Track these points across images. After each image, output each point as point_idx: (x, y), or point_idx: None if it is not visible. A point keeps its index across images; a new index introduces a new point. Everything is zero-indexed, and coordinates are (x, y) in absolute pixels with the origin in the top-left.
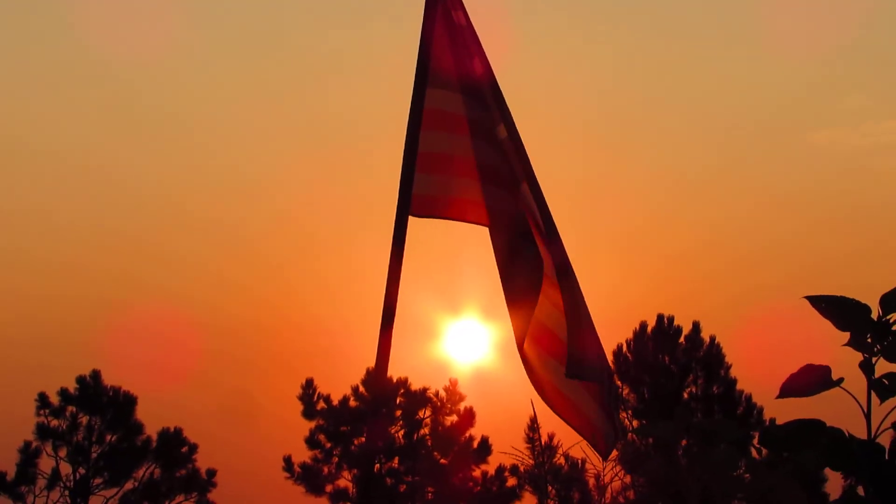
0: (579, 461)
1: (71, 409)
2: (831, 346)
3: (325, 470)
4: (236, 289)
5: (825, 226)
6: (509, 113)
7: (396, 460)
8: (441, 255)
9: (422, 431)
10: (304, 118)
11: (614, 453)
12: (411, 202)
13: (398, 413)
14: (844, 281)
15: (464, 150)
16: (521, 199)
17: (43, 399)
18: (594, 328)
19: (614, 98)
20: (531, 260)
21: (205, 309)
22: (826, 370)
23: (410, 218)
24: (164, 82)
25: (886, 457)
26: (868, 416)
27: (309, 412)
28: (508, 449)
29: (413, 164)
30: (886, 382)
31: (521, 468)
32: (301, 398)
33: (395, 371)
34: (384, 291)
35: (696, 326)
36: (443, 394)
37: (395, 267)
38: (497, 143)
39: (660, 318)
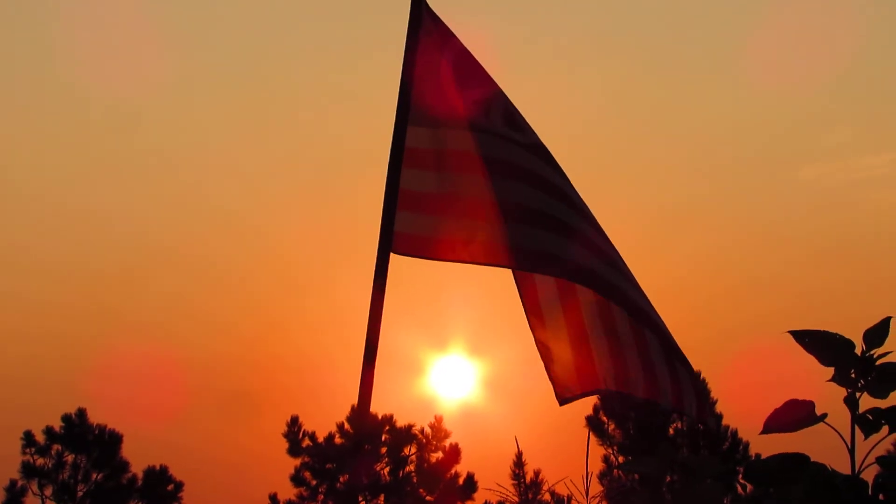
0: (564, 497)
1: (56, 447)
2: (815, 381)
3: None
4: (220, 326)
5: (810, 260)
6: (527, 131)
7: (382, 497)
8: (428, 291)
9: (407, 468)
10: (288, 155)
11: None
12: (393, 239)
13: (384, 450)
14: (829, 316)
15: (451, 186)
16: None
17: (28, 437)
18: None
19: (599, 131)
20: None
21: (189, 346)
22: (810, 405)
23: (396, 255)
24: (148, 119)
25: (870, 492)
26: (852, 451)
27: (294, 449)
28: (494, 485)
29: (394, 202)
30: (871, 418)
31: None
32: (286, 435)
33: (380, 408)
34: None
35: None
36: (428, 430)
37: (377, 303)
38: (503, 168)
39: None
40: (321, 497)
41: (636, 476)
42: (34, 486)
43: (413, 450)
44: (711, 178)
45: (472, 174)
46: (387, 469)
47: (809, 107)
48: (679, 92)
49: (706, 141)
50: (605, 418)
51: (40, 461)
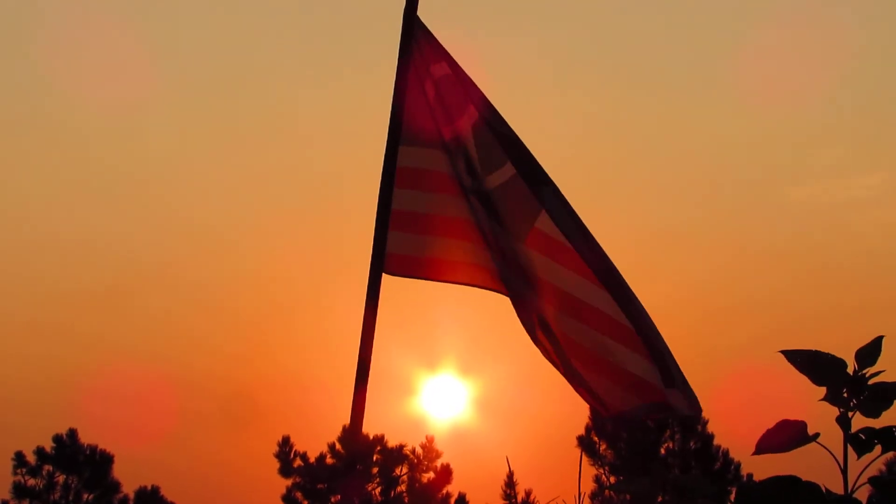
0: None
1: (48, 467)
2: (808, 401)
3: None
4: (210, 346)
5: (802, 280)
6: (520, 150)
7: None
8: (419, 311)
9: (399, 489)
10: (277, 174)
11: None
12: (385, 260)
13: (375, 470)
14: (821, 336)
15: (443, 208)
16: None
17: (19, 458)
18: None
19: (589, 152)
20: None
21: (180, 366)
22: (802, 425)
23: (387, 275)
24: (134, 137)
25: None
26: (845, 471)
27: (285, 470)
28: None
29: (386, 222)
30: (863, 437)
31: None
32: (277, 455)
33: (371, 428)
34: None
35: None
36: (419, 450)
37: (370, 323)
38: (482, 198)
39: None
40: None
41: (628, 496)
42: None
43: (404, 470)
44: (701, 199)
45: (454, 197)
46: (378, 489)
47: (800, 127)
48: (668, 113)
49: (696, 161)
50: (596, 438)
51: (31, 482)
